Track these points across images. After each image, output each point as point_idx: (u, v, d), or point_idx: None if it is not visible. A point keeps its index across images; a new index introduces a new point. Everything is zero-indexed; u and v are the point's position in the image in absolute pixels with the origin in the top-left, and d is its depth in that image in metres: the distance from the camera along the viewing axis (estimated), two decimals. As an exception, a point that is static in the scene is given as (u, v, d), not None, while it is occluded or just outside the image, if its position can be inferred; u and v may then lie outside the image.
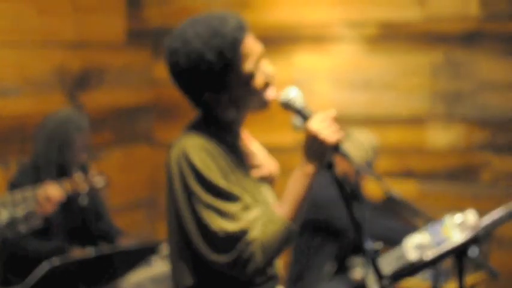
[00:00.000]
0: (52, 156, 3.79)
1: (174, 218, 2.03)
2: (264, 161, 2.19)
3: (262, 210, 2.00)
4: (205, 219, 1.94)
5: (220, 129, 2.09)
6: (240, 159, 2.09)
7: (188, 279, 2.04)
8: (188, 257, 2.03)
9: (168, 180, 2.02)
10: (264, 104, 2.08)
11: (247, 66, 2.03)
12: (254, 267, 1.95)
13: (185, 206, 1.98)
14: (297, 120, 2.57)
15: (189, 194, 1.96)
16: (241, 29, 2.02)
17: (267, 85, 2.06)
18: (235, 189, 1.98)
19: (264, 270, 2.02)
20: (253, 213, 1.97)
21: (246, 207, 1.97)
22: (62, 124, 3.81)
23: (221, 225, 1.93)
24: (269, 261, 1.97)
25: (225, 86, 2.03)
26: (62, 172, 3.78)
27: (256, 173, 2.13)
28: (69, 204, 3.72)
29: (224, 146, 2.06)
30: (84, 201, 3.78)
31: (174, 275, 2.09)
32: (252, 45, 2.04)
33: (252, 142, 2.22)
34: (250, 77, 2.03)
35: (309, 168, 2.00)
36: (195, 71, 2.02)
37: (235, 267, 1.95)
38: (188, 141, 2.01)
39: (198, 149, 1.98)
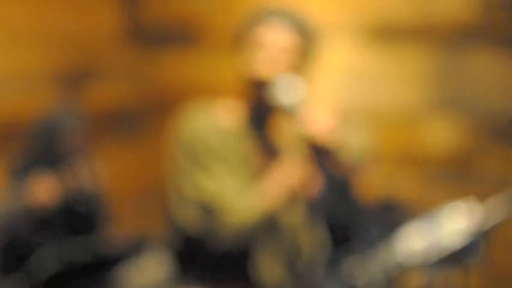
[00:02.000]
0: (42, 158, 3.82)
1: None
2: (285, 162, 2.18)
3: (242, 195, 2.01)
4: (183, 186, 2.01)
5: (252, 114, 2.13)
6: (254, 147, 2.11)
7: (175, 245, 2.11)
8: (174, 225, 2.09)
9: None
10: (259, 96, 2.09)
11: (248, 49, 2.09)
12: (218, 243, 1.99)
13: (171, 173, 2.06)
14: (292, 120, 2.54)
15: (175, 162, 2.04)
16: (261, 17, 2.11)
17: (258, 82, 2.06)
18: (222, 168, 2.02)
19: (235, 259, 2.05)
20: (230, 195, 2.01)
21: (226, 187, 2.01)
22: (51, 125, 3.84)
23: (195, 195, 2.00)
24: (237, 242, 2.00)
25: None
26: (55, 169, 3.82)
27: (266, 165, 2.12)
28: (66, 197, 3.74)
29: (241, 128, 2.09)
30: (81, 194, 3.81)
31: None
32: (262, 35, 2.09)
33: (288, 140, 2.22)
34: (246, 60, 2.09)
35: (301, 167, 2.01)
36: None
37: (203, 239, 2.00)
38: (187, 117, 2.08)
39: (191, 125, 2.05)
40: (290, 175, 2.03)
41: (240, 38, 2.12)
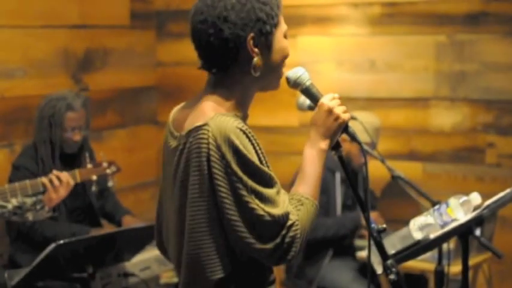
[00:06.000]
0: (44, 135, 3.81)
1: (201, 206, 1.90)
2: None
3: (288, 193, 1.96)
4: (251, 205, 1.85)
5: (239, 108, 2.01)
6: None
7: (218, 271, 1.92)
8: (219, 247, 1.91)
9: (197, 164, 1.88)
10: (276, 81, 2.04)
11: (278, 33, 2.00)
12: (295, 251, 1.89)
13: (227, 192, 1.86)
14: (302, 100, 2.54)
15: (233, 180, 1.86)
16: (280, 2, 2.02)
17: (283, 61, 2.04)
18: (272, 173, 1.91)
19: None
20: (285, 197, 1.92)
21: (279, 191, 1.91)
22: (52, 103, 3.82)
23: (267, 210, 1.86)
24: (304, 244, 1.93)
25: (258, 44, 1.96)
26: (55, 150, 3.82)
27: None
28: (76, 188, 3.73)
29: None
30: (93, 189, 3.81)
31: (196, 267, 1.93)
32: (283, 19, 2.03)
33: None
34: (277, 44, 2.00)
35: (323, 145, 1.98)
36: (240, 16, 1.94)
37: (278, 253, 1.88)
38: (226, 123, 1.89)
39: (238, 132, 1.87)
40: (321, 156, 2.00)
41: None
